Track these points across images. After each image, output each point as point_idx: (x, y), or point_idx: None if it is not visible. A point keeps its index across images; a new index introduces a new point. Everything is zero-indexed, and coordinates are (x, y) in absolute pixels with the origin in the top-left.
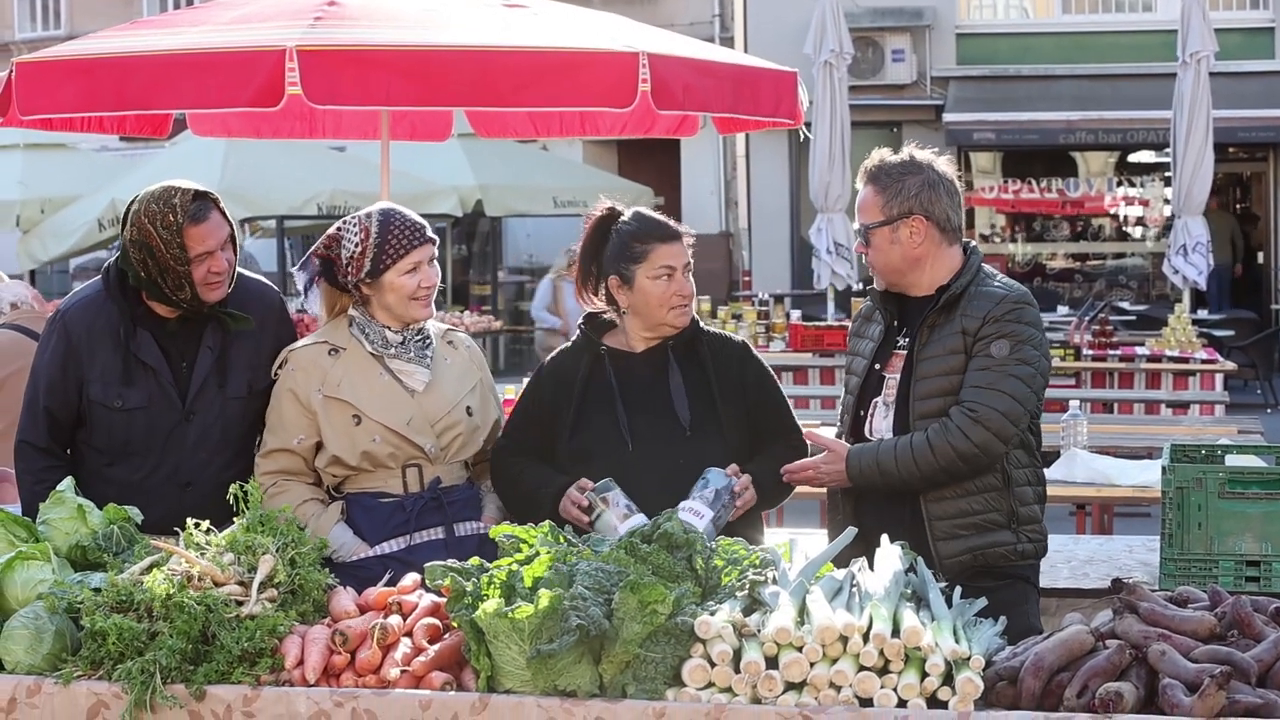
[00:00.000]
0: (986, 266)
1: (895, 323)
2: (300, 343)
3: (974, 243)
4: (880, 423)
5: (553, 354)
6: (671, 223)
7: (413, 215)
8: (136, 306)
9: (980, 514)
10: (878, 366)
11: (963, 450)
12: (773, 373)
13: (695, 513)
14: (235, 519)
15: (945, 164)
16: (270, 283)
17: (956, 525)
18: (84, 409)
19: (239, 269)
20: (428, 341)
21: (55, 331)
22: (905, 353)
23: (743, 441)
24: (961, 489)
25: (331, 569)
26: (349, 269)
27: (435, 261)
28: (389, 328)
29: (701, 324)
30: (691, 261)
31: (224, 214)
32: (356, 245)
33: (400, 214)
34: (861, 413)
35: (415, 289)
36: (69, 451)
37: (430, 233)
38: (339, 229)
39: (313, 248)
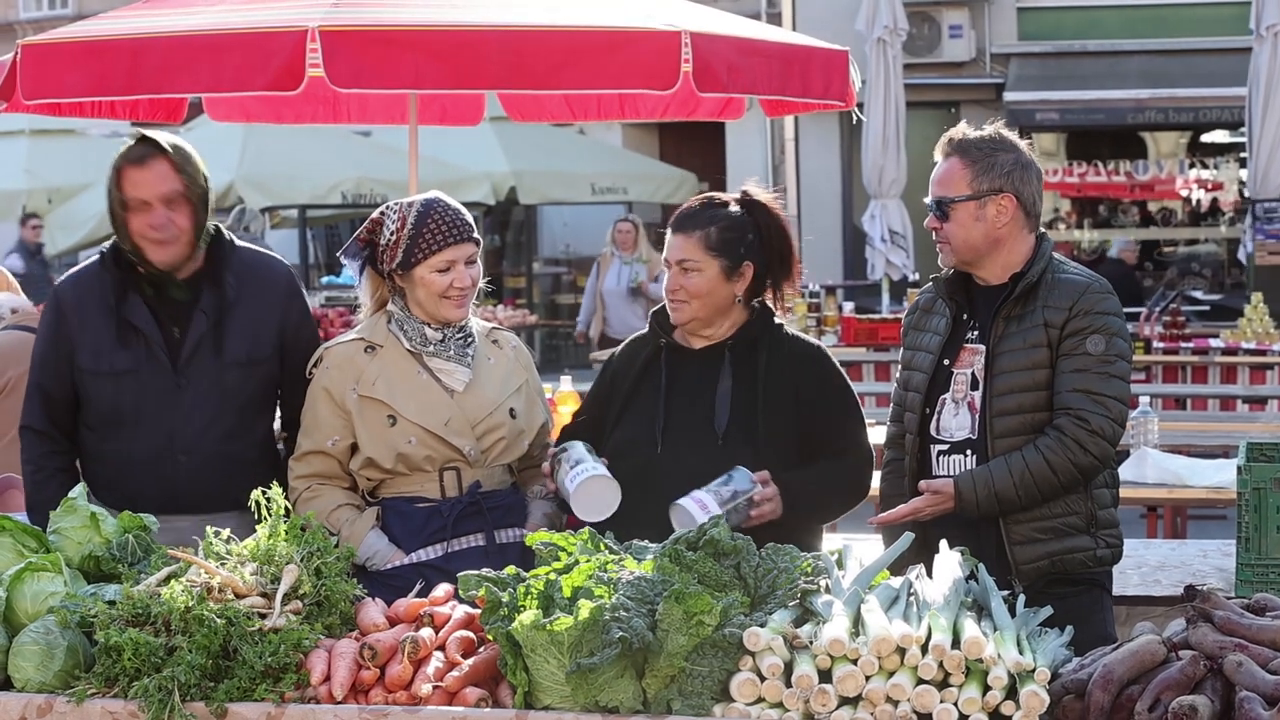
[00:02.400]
0: (1057, 254)
1: (964, 314)
2: (337, 340)
3: (1043, 230)
4: (949, 420)
5: (626, 340)
6: (687, 210)
7: (457, 210)
8: (130, 273)
9: (1059, 517)
10: (946, 361)
11: (1084, 465)
12: (845, 384)
13: (702, 505)
14: (235, 495)
15: (1028, 147)
16: (279, 256)
17: (1035, 530)
18: (76, 381)
19: (249, 245)
20: (470, 339)
21: (49, 307)
22: (977, 346)
23: (786, 456)
24: None
25: (364, 579)
26: (384, 256)
27: (476, 261)
28: (428, 325)
29: (778, 323)
30: (693, 258)
31: (181, 172)
32: (392, 234)
33: (442, 207)
34: (928, 410)
35: (446, 288)
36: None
37: (473, 232)
38: (382, 213)
39: (357, 231)
